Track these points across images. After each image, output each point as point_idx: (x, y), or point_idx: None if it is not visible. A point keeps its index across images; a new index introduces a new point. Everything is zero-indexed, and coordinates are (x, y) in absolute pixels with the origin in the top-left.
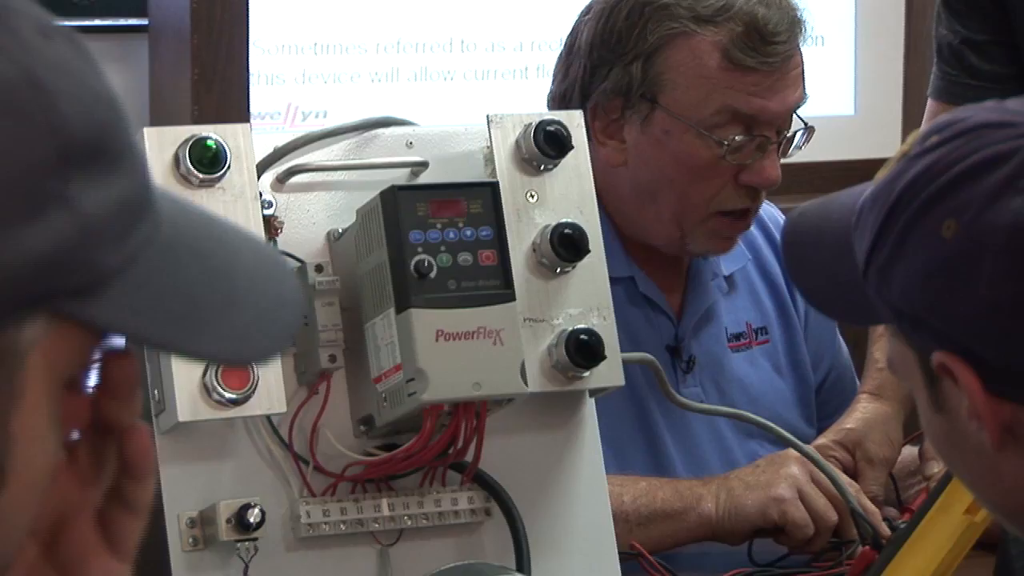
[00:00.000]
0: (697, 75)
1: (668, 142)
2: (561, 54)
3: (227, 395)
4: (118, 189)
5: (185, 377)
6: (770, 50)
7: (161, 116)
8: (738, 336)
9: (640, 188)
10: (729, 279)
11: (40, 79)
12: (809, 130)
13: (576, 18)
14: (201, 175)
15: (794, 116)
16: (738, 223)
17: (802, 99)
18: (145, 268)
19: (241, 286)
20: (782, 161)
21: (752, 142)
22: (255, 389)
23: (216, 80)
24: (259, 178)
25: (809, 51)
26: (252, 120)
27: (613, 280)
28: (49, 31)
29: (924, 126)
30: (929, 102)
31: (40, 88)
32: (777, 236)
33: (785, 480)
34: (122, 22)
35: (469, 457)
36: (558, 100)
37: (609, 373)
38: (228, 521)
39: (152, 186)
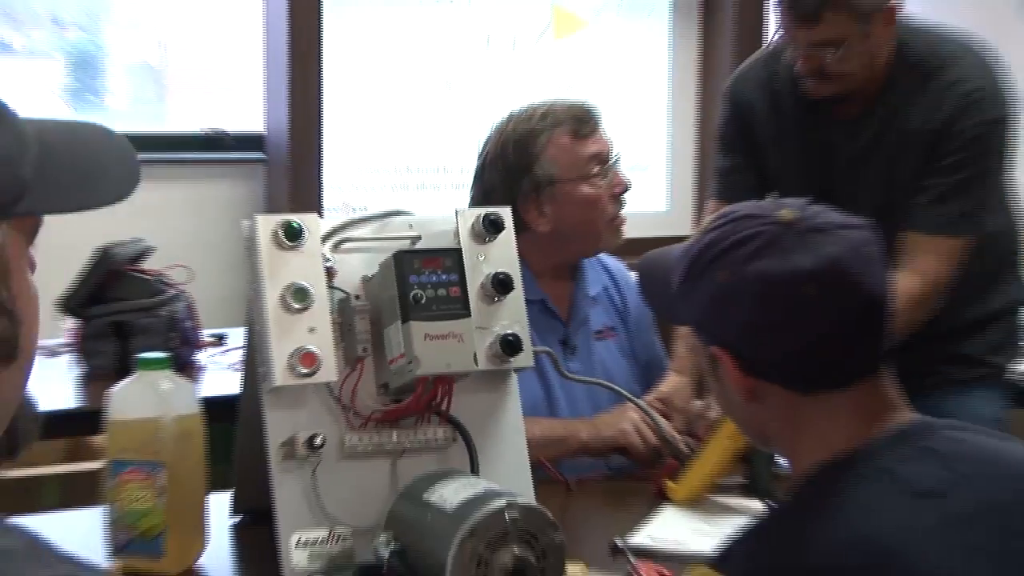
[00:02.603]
0: (565, 152)
1: (572, 197)
2: (476, 184)
3: (303, 370)
4: (9, 133)
5: (279, 359)
6: (589, 119)
7: (270, 211)
8: (600, 332)
9: (568, 232)
10: (594, 298)
11: None
12: (619, 155)
13: (476, 171)
14: (289, 243)
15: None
16: (618, 219)
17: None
18: (48, 167)
19: (94, 149)
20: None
21: (607, 168)
22: (320, 367)
23: (303, 188)
24: (324, 243)
25: (635, 175)
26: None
27: (531, 302)
28: None
29: (709, 216)
30: (709, 201)
31: None
32: (618, 276)
33: (627, 420)
34: (247, 155)
35: (444, 407)
36: (479, 200)
37: (525, 359)
38: (303, 444)
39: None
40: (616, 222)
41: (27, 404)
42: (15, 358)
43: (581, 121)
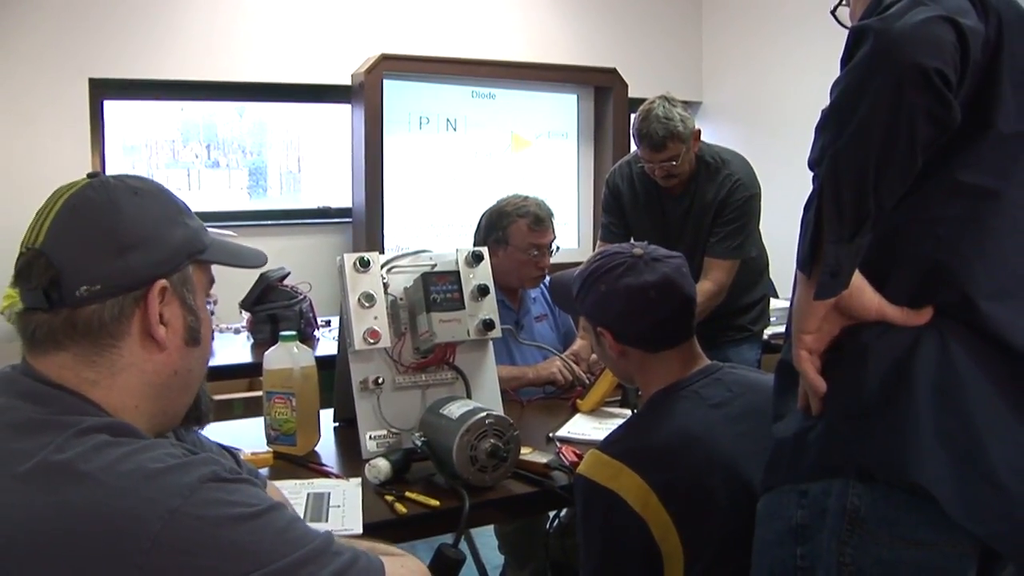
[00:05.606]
0: (520, 233)
1: (514, 255)
2: (477, 231)
3: (371, 340)
4: (191, 229)
5: (357, 334)
6: (544, 220)
7: (354, 251)
8: (538, 317)
9: (510, 269)
10: (534, 299)
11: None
12: (558, 247)
13: (477, 225)
14: (362, 268)
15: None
16: (537, 277)
17: (553, 239)
18: (217, 245)
19: (244, 250)
20: (553, 261)
21: (540, 253)
22: (380, 338)
23: (371, 237)
24: (382, 268)
25: (559, 227)
26: (384, 250)
27: (497, 301)
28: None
29: (599, 249)
30: (598, 242)
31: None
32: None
33: (555, 365)
34: (342, 220)
35: (451, 360)
36: (477, 240)
37: (496, 333)
38: (372, 381)
39: (201, 231)
40: (535, 278)
41: (205, 391)
42: (199, 343)
43: (539, 220)
